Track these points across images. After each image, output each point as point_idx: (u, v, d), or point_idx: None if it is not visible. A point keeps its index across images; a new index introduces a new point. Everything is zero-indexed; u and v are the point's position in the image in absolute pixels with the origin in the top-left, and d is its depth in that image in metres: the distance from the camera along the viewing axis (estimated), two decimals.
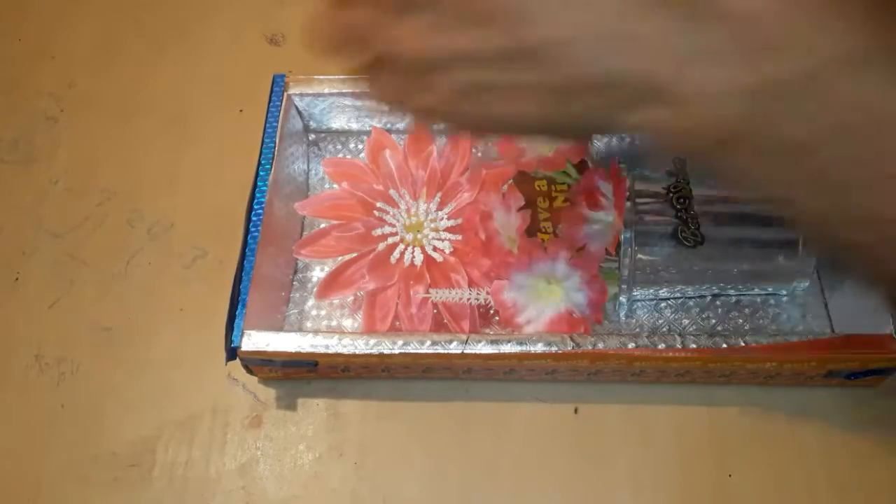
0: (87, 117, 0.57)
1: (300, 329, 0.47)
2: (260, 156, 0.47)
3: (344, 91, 0.50)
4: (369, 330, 0.45)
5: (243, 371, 0.44)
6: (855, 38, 0.20)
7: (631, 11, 0.22)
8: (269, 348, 0.41)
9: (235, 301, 0.43)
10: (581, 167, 0.47)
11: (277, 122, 0.48)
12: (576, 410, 0.44)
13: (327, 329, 0.47)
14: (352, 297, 0.47)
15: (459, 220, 0.47)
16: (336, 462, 0.44)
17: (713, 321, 0.46)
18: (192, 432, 0.45)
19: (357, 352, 0.41)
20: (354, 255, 0.47)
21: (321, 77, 0.50)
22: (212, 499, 0.44)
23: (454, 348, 0.41)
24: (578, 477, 0.43)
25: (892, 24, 0.21)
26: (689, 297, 0.47)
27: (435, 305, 0.45)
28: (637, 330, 0.46)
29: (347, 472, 0.44)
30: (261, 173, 0.47)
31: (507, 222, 0.45)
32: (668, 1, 0.22)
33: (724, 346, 0.40)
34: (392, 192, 0.49)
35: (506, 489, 0.43)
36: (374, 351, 0.41)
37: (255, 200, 0.46)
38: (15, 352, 0.48)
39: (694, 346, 0.40)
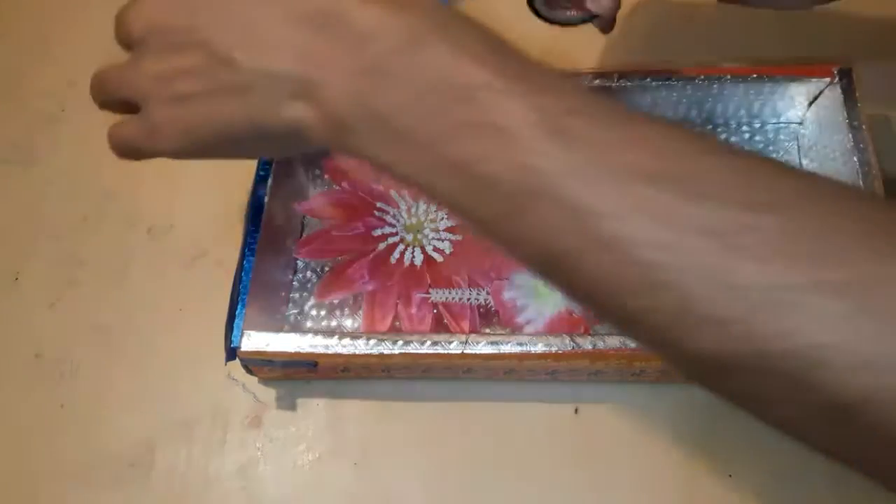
0: (88, 117, 0.56)
1: (300, 329, 0.47)
2: None
3: None
4: (369, 330, 0.45)
5: (243, 371, 0.44)
6: (415, 21, 0.27)
7: (282, 25, 0.29)
8: (269, 348, 0.41)
9: (235, 301, 0.43)
10: None
11: None
12: (576, 410, 0.44)
13: (327, 329, 0.47)
14: (352, 298, 0.47)
15: None
16: (336, 462, 0.44)
17: None
18: (192, 432, 0.45)
19: (357, 352, 0.41)
20: (354, 255, 0.47)
21: None
22: (211, 499, 0.43)
23: (454, 348, 0.40)
24: (578, 477, 0.43)
25: (444, 9, 0.28)
26: None
27: (435, 305, 0.45)
28: None
29: (347, 473, 0.44)
30: (261, 173, 0.47)
31: None
32: (310, 16, 0.28)
33: None
34: (392, 192, 0.49)
35: (506, 489, 0.43)
36: (374, 351, 0.41)
37: (255, 200, 0.46)
38: (15, 352, 0.48)
39: None
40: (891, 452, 0.23)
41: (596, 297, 0.26)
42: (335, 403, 0.46)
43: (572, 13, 0.45)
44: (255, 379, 0.46)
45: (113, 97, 0.35)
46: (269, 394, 0.46)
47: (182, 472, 0.44)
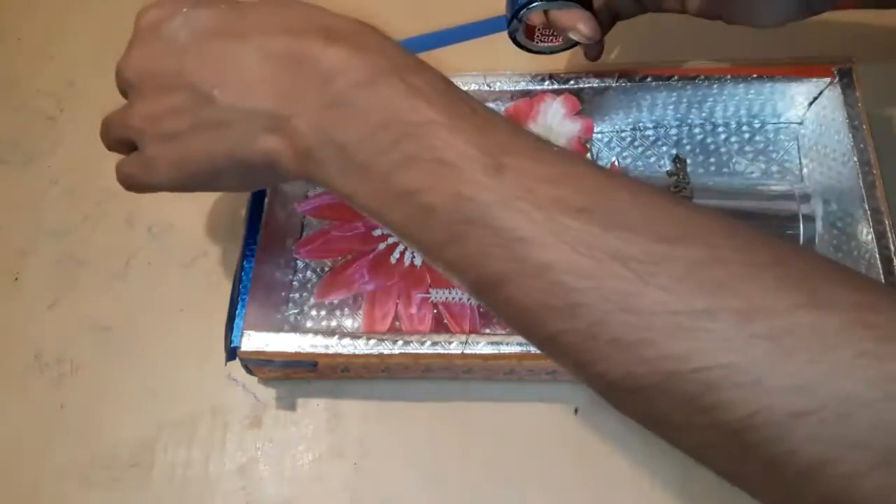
0: (87, 117, 0.56)
1: (300, 329, 0.47)
2: None
3: None
4: (369, 330, 0.45)
5: (243, 371, 0.44)
6: (374, 62, 0.30)
7: (257, 65, 0.32)
8: (269, 348, 0.41)
9: (235, 301, 0.43)
10: None
11: None
12: (576, 411, 0.44)
13: (327, 329, 0.47)
14: (352, 298, 0.47)
15: None
16: (336, 462, 0.44)
17: None
18: (192, 432, 0.45)
19: (357, 352, 0.41)
20: (354, 254, 0.47)
21: None
22: (211, 499, 0.43)
23: (454, 348, 0.40)
24: (579, 477, 0.43)
25: (401, 52, 0.31)
26: None
27: (435, 305, 0.45)
28: None
29: (347, 473, 0.44)
30: None
31: None
32: (281, 55, 0.31)
33: None
34: None
35: (506, 490, 0.43)
36: (374, 351, 0.41)
37: (255, 200, 0.46)
38: (14, 352, 0.48)
39: None
40: (774, 473, 0.24)
41: (524, 319, 0.28)
42: (335, 403, 0.46)
43: (555, 43, 0.46)
44: (255, 379, 0.46)
45: (115, 139, 0.38)
46: (269, 394, 0.46)
47: (182, 472, 0.44)
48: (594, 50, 0.47)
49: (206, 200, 0.52)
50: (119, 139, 0.37)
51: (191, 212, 0.52)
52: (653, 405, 0.27)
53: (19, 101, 0.58)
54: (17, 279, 0.51)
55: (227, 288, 0.43)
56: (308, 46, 0.31)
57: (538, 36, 0.46)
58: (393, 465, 0.44)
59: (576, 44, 0.45)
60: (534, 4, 0.42)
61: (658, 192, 0.29)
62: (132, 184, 0.38)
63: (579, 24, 0.42)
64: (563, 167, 0.29)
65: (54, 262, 0.51)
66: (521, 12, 0.42)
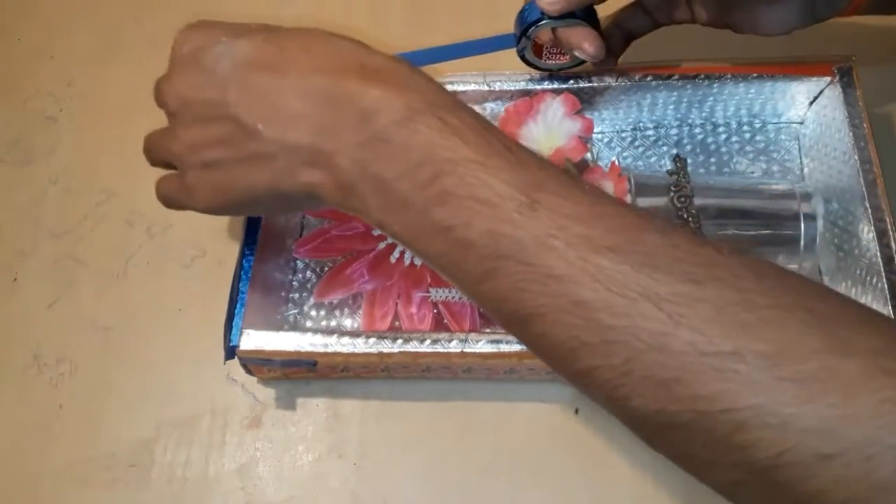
0: (87, 117, 0.57)
1: (300, 329, 0.47)
2: None
3: None
4: (369, 329, 0.45)
5: (242, 371, 0.44)
6: (411, 101, 0.31)
7: (299, 101, 0.33)
8: (269, 347, 0.41)
9: (234, 300, 0.43)
10: (581, 166, 0.47)
11: None
12: (576, 411, 0.44)
13: (327, 328, 0.47)
14: (351, 297, 0.47)
15: None
16: (335, 462, 0.44)
17: None
18: (191, 433, 0.45)
19: (356, 350, 0.41)
20: (354, 254, 0.47)
21: None
22: (211, 499, 0.43)
23: (454, 347, 0.40)
24: (579, 477, 0.43)
25: (436, 90, 0.32)
26: None
27: (435, 305, 0.45)
28: None
29: (347, 473, 0.44)
30: None
31: None
32: (322, 93, 0.32)
33: None
34: None
35: (506, 490, 0.43)
36: (374, 350, 0.41)
37: None
38: (14, 352, 0.48)
39: None
40: None
41: (557, 354, 0.29)
42: (335, 403, 0.45)
43: (562, 60, 0.47)
44: (254, 379, 0.46)
45: (157, 160, 0.39)
46: (268, 394, 0.46)
47: (181, 472, 0.44)
48: (608, 64, 0.47)
49: None
50: (161, 160, 0.39)
51: (190, 212, 0.52)
52: (685, 442, 0.28)
53: (19, 101, 0.58)
54: (16, 279, 0.51)
55: (226, 288, 0.43)
56: (347, 85, 0.32)
57: (546, 53, 0.47)
58: (393, 465, 0.44)
59: (583, 61, 0.46)
60: (542, 22, 0.43)
61: (687, 231, 0.30)
62: (170, 202, 0.39)
63: (584, 44, 0.43)
64: (594, 206, 0.30)
65: (53, 262, 0.51)
66: (530, 30, 0.43)
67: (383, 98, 0.31)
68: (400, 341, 0.41)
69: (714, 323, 0.26)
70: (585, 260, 0.28)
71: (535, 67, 0.47)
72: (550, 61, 0.47)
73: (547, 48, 0.47)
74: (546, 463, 0.43)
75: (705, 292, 0.27)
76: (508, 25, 0.45)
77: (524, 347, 0.40)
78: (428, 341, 0.41)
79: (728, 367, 0.26)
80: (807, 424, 0.25)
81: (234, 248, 0.44)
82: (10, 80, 0.59)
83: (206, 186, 0.36)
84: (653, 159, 0.51)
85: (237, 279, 0.43)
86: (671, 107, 0.50)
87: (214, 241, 0.51)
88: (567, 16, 0.42)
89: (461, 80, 0.48)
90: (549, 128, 0.47)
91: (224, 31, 0.36)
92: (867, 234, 0.42)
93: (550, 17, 0.42)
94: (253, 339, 0.41)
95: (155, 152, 0.39)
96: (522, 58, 0.46)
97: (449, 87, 0.48)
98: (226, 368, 0.46)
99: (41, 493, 0.44)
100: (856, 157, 0.44)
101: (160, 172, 0.53)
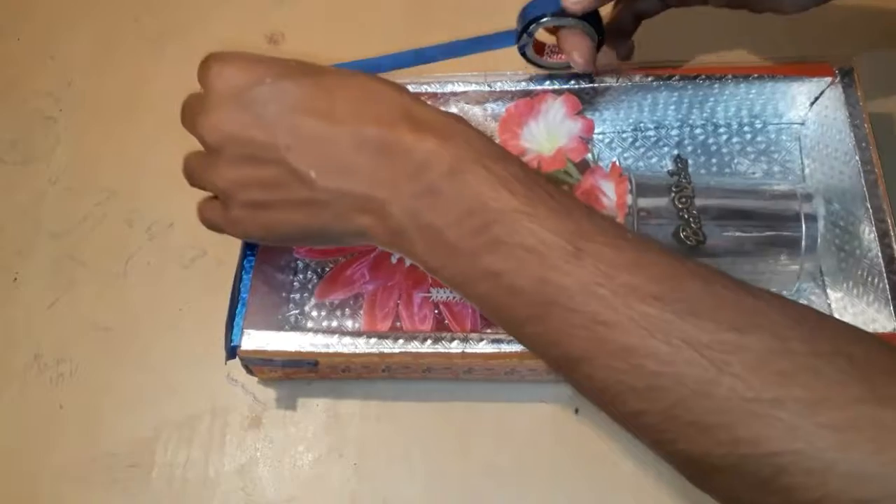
0: (86, 117, 0.57)
1: (301, 329, 0.47)
2: None
3: None
4: (370, 330, 0.45)
5: (243, 372, 0.44)
6: (459, 152, 0.32)
7: (352, 151, 0.34)
8: (270, 347, 0.41)
9: (235, 300, 0.42)
10: (582, 167, 0.47)
11: None
12: (577, 411, 0.44)
13: (328, 328, 0.47)
14: (352, 298, 0.47)
15: None
16: (336, 463, 0.44)
17: None
18: (192, 433, 0.45)
19: (357, 351, 0.41)
20: (355, 254, 0.47)
21: None
22: (211, 499, 0.43)
23: (455, 347, 0.40)
24: (580, 478, 0.43)
25: (481, 140, 0.34)
26: None
27: (436, 305, 0.45)
28: None
29: (347, 473, 0.44)
30: None
31: None
32: (374, 143, 0.33)
33: None
34: None
35: (506, 490, 0.43)
36: (375, 350, 0.41)
37: None
38: (14, 352, 0.48)
39: None
40: None
41: (604, 396, 0.31)
42: (335, 404, 0.45)
43: (563, 59, 0.47)
44: (254, 379, 0.46)
45: (197, 185, 0.39)
46: (268, 394, 0.46)
47: (181, 472, 0.44)
48: (623, 50, 0.48)
49: None
50: (202, 187, 0.39)
51: (190, 211, 0.52)
52: (729, 484, 0.29)
53: (19, 101, 0.58)
54: (16, 279, 0.51)
55: (226, 288, 0.43)
56: (399, 136, 0.33)
57: (547, 51, 0.47)
58: (393, 465, 0.44)
59: None
60: (543, 20, 0.43)
61: (728, 279, 0.31)
62: (214, 229, 0.40)
63: (575, 54, 0.44)
64: (637, 253, 0.31)
65: (54, 262, 0.51)
66: (531, 27, 0.43)
67: (434, 150, 0.33)
68: (401, 342, 0.41)
69: (756, 370, 0.28)
70: (631, 308, 0.29)
71: (536, 65, 0.47)
72: (551, 59, 0.47)
73: (548, 46, 0.46)
74: (546, 463, 0.43)
75: (747, 340, 0.28)
76: (509, 22, 0.44)
77: (524, 348, 0.40)
78: (429, 342, 0.40)
79: (770, 414, 0.27)
80: (846, 469, 0.26)
81: (235, 248, 0.44)
82: (10, 80, 0.58)
83: (254, 224, 0.37)
84: (654, 160, 0.50)
85: (238, 279, 0.43)
86: (672, 107, 0.50)
87: (214, 241, 0.50)
88: (570, 15, 0.42)
89: (462, 80, 0.48)
90: (550, 128, 0.47)
91: (266, 71, 0.35)
92: (868, 234, 0.42)
93: (554, 15, 0.42)
94: (254, 339, 0.41)
95: (196, 180, 0.39)
96: (523, 55, 0.46)
97: (449, 88, 0.48)
98: (226, 368, 0.46)
99: (41, 493, 0.44)
100: (857, 158, 0.44)
101: (160, 172, 0.53)
